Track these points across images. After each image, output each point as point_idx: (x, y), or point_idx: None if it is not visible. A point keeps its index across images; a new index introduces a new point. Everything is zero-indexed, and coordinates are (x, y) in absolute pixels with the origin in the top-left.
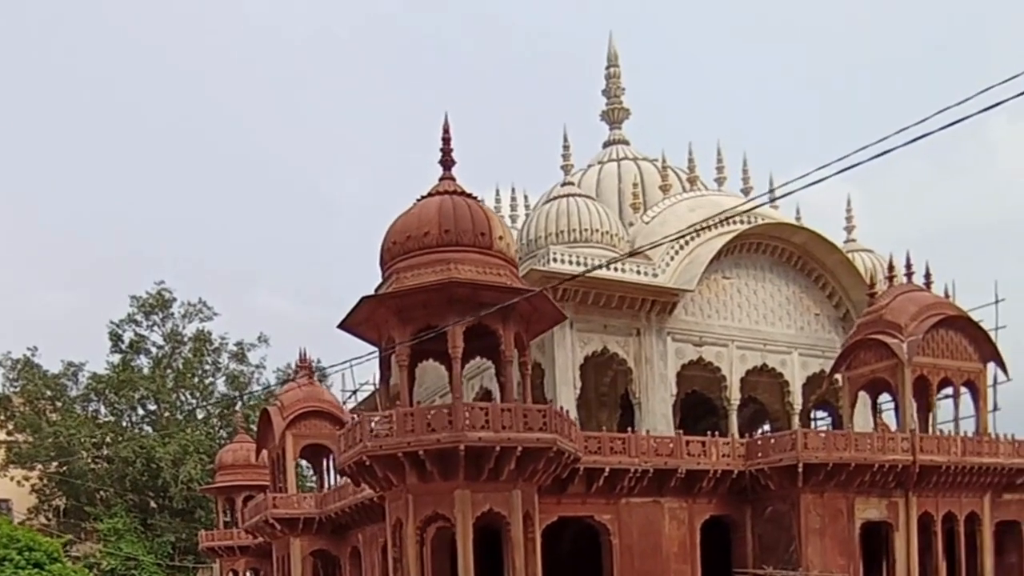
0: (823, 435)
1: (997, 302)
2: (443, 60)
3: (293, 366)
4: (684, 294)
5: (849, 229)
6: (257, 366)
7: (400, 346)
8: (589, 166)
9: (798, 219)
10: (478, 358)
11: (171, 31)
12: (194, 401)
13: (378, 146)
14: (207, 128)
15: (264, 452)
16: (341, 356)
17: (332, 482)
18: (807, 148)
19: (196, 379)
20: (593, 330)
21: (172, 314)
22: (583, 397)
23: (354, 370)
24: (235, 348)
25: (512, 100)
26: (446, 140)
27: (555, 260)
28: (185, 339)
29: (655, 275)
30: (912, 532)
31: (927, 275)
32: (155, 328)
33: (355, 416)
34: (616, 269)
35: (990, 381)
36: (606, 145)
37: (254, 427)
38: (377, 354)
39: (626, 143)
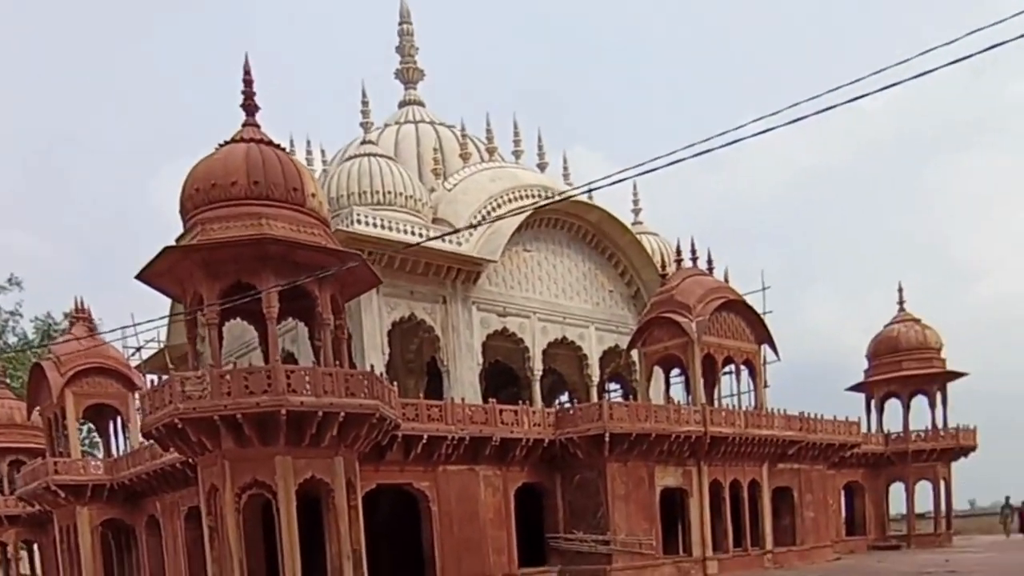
0: (627, 407)
1: (764, 289)
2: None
3: (56, 315)
4: (488, 264)
5: (636, 212)
6: (12, 313)
7: (211, 306)
8: (386, 125)
9: (590, 198)
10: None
11: None
12: None
13: (136, 75)
14: None
15: (36, 412)
16: (112, 305)
17: (120, 446)
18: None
19: None
20: (400, 296)
21: None
22: (390, 363)
23: (136, 326)
24: None
25: (303, 49)
26: (248, 83)
27: (359, 222)
28: None
29: (459, 244)
30: (704, 498)
31: (709, 260)
32: None
33: (150, 375)
34: (421, 235)
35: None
36: (402, 105)
37: (10, 381)
38: (166, 317)
39: (421, 104)
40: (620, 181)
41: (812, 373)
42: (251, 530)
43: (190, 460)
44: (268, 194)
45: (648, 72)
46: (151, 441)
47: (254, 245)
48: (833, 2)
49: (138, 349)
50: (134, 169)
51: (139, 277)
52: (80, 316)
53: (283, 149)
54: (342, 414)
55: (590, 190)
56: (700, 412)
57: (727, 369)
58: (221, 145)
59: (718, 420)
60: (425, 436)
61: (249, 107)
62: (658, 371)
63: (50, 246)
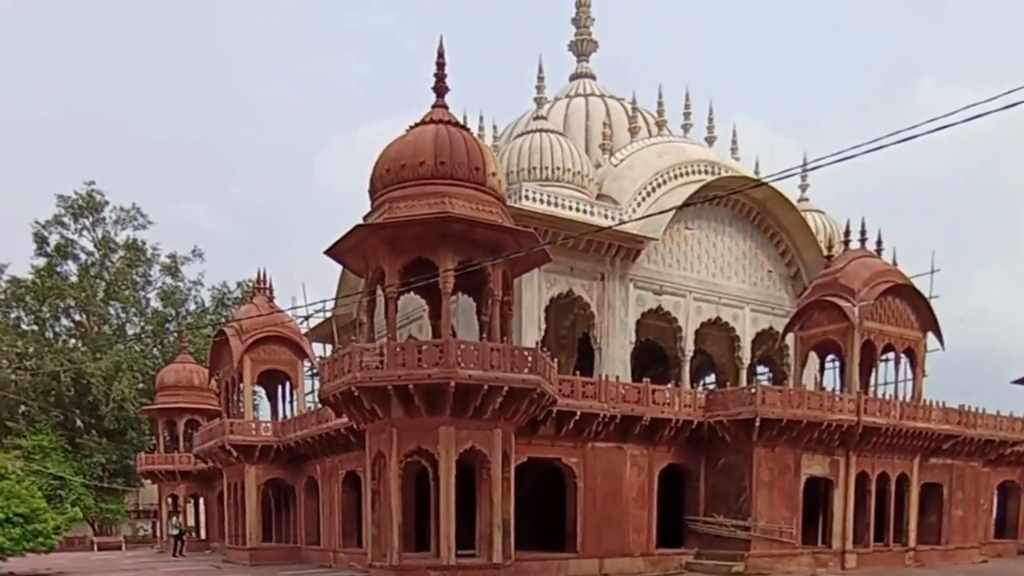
0: (779, 392)
1: (933, 272)
2: None
3: (231, 285)
4: (648, 242)
5: (803, 188)
6: (194, 283)
7: (390, 286)
8: (556, 99)
9: (757, 174)
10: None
11: None
12: (125, 315)
13: (310, 60)
14: (141, 29)
15: (216, 376)
16: (276, 273)
17: (287, 410)
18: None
19: (128, 292)
20: (560, 272)
21: (103, 219)
22: (544, 339)
23: (306, 296)
24: (168, 261)
25: (476, 22)
26: (440, 65)
27: (527, 198)
28: (117, 247)
29: (622, 221)
30: (850, 489)
31: (879, 241)
32: (84, 232)
33: (315, 343)
34: (584, 212)
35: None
36: (573, 78)
37: (190, 346)
38: (334, 298)
39: (592, 77)
40: (815, 168)
41: (972, 360)
42: (405, 495)
43: (357, 427)
44: (452, 173)
45: (810, 34)
46: (319, 406)
47: (436, 223)
48: None
49: (306, 318)
50: (301, 142)
51: (328, 252)
52: (260, 287)
53: (468, 130)
54: (506, 388)
55: (770, 180)
56: (854, 401)
57: (885, 356)
58: (412, 127)
59: (872, 410)
60: (578, 413)
61: (440, 89)
62: (811, 356)
63: (218, 217)
